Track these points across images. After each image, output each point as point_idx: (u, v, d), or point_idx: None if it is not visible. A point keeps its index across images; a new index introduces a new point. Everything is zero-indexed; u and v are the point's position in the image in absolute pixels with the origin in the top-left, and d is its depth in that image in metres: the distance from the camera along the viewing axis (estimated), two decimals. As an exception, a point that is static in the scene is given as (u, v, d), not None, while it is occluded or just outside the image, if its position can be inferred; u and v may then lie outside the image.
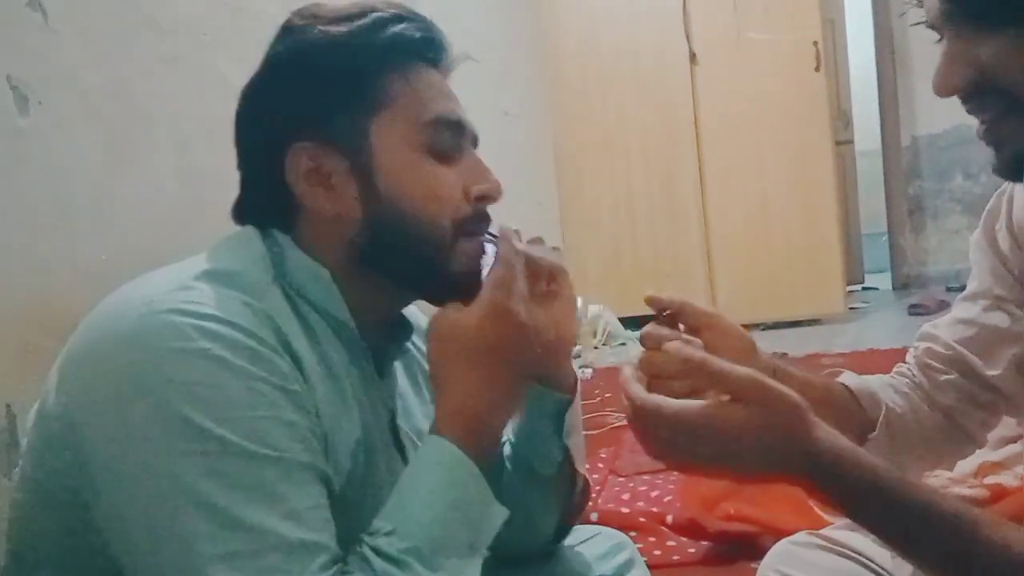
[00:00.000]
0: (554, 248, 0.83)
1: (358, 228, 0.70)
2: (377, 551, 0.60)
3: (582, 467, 0.85)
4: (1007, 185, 0.86)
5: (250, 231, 0.72)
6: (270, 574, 0.56)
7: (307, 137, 0.69)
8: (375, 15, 0.71)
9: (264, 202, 0.72)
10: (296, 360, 0.64)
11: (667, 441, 0.62)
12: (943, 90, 0.65)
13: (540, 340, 0.71)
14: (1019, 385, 0.86)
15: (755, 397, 0.60)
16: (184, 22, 1.36)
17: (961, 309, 0.89)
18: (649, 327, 0.74)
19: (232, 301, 0.62)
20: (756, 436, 0.59)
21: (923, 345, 0.91)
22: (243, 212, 0.74)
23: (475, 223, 0.74)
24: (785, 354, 3.40)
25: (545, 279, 0.80)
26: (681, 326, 0.78)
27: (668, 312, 0.78)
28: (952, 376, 0.88)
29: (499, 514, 0.66)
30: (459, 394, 0.67)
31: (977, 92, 0.64)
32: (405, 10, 0.73)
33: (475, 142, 0.77)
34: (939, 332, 0.90)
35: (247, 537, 0.56)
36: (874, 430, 0.87)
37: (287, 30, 0.72)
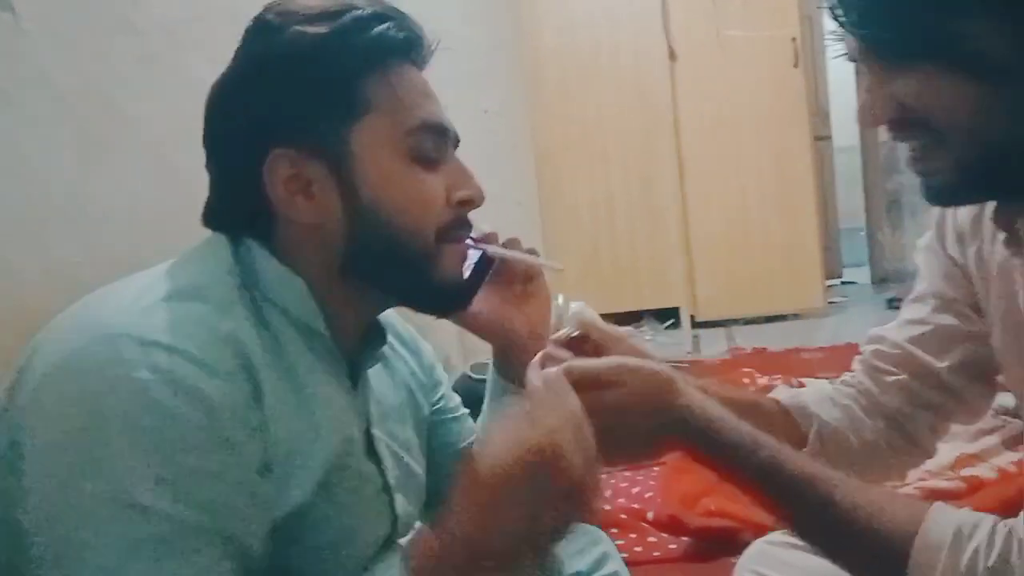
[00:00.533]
0: (529, 250, 0.84)
1: (340, 236, 0.68)
2: None
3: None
4: None
5: (219, 239, 0.69)
6: None
7: (286, 142, 0.66)
8: (355, 13, 0.68)
9: (238, 208, 0.69)
10: (256, 384, 0.60)
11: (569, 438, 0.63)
12: (867, 123, 0.66)
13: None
14: (969, 385, 0.87)
15: (626, 378, 0.68)
16: (159, 23, 1.34)
17: (911, 310, 0.90)
18: (547, 350, 0.75)
19: (190, 325, 0.59)
20: (635, 412, 0.67)
21: (871, 348, 0.92)
22: (214, 218, 0.71)
23: (457, 228, 0.73)
24: (764, 349, 3.43)
25: (521, 280, 0.81)
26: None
27: (576, 334, 0.80)
28: (901, 377, 0.88)
29: None
30: (463, 536, 0.57)
31: (901, 124, 0.64)
32: (384, 7, 0.70)
33: (456, 143, 0.75)
34: (888, 334, 0.91)
35: None
36: (804, 442, 0.88)
37: (262, 27, 0.68)
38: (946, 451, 1.93)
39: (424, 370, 0.90)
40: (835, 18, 0.64)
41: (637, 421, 0.68)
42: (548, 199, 4.12)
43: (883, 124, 0.65)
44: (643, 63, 4.07)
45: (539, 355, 0.73)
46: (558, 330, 0.79)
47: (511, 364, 0.86)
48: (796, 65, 3.97)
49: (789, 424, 0.89)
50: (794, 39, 3.98)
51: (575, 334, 0.78)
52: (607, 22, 4.10)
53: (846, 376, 0.94)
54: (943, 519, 0.63)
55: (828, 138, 5.21)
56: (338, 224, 0.68)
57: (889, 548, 0.63)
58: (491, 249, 0.80)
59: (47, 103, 1.14)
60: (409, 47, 0.71)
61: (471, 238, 0.78)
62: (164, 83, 1.34)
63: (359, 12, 0.68)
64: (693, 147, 4.10)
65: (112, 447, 0.53)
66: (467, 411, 0.96)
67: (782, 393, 0.92)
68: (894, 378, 0.89)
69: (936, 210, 0.87)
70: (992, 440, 1.96)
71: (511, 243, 0.83)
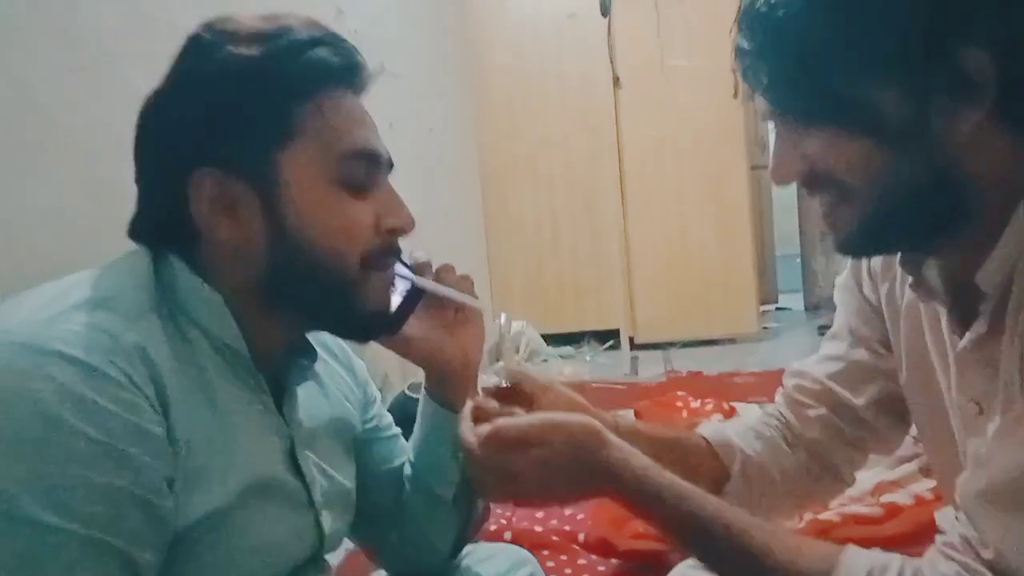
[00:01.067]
0: (462, 277, 0.84)
1: (262, 259, 0.68)
2: None
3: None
4: None
5: (140, 253, 0.68)
6: None
7: (213, 162, 0.66)
8: (290, 38, 0.67)
9: (162, 223, 0.69)
10: (163, 397, 0.60)
11: (495, 483, 0.72)
12: (778, 178, 0.68)
13: None
14: (883, 420, 0.90)
15: (552, 436, 0.71)
16: (93, 31, 1.32)
17: (829, 347, 0.93)
18: (478, 399, 0.79)
19: (94, 334, 0.58)
20: (562, 465, 0.71)
21: (792, 382, 0.95)
22: (138, 230, 0.70)
23: (385, 256, 0.72)
24: (700, 372, 3.49)
25: (454, 307, 0.81)
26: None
27: (506, 386, 0.84)
28: (821, 411, 0.91)
29: None
30: None
31: (811, 181, 0.67)
32: (322, 31, 0.70)
33: (390, 168, 0.75)
34: (808, 369, 0.94)
35: None
36: (729, 479, 0.91)
37: (195, 45, 0.68)
38: (867, 478, 1.98)
39: (358, 386, 0.90)
40: (746, 80, 0.67)
41: (565, 474, 0.71)
42: (493, 217, 4.14)
43: (794, 180, 0.68)
44: (589, 87, 4.13)
45: (469, 406, 0.76)
46: (500, 348, 0.82)
47: (443, 389, 0.87)
48: (736, 95, 4.08)
49: (713, 459, 0.92)
50: (734, 71, 4.07)
51: (504, 385, 0.82)
52: (555, 45, 4.16)
53: (769, 408, 0.97)
54: (855, 561, 0.65)
55: (765, 167, 5.33)
56: (261, 246, 0.67)
57: None
58: (418, 281, 0.79)
59: (-28, 108, 1.11)
60: (344, 73, 0.70)
61: (403, 263, 0.78)
62: (98, 93, 1.31)
63: (294, 36, 0.67)
64: (635, 171, 4.17)
65: (1, 459, 0.53)
66: (399, 431, 0.95)
67: (707, 429, 0.95)
68: (815, 412, 0.92)
69: None
70: (911, 467, 2.03)
71: (443, 270, 0.83)
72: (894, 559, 0.65)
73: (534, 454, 0.70)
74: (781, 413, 0.95)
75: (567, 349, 4.06)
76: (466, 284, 0.83)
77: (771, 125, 0.69)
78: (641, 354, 4.02)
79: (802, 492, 0.93)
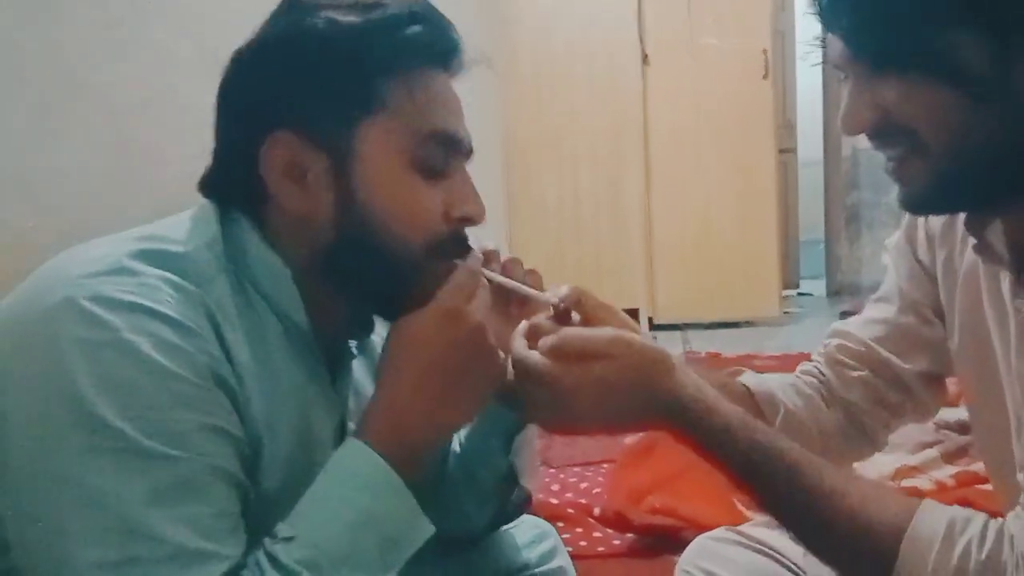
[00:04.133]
0: (529, 271, 0.78)
1: (327, 232, 0.66)
2: (272, 558, 0.56)
3: (528, 481, 0.84)
4: None
5: (208, 209, 0.67)
6: None
7: (290, 126, 0.64)
8: (390, 10, 0.65)
9: (233, 181, 0.67)
10: (229, 357, 0.60)
11: (550, 402, 0.66)
12: (849, 129, 0.66)
13: (499, 356, 0.65)
14: (925, 387, 0.89)
15: (620, 352, 0.66)
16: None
17: (875, 310, 0.92)
18: (533, 319, 0.72)
19: (166, 286, 0.58)
20: (625, 386, 0.66)
21: (835, 341, 0.93)
22: (208, 185, 0.69)
23: (451, 245, 0.69)
24: (718, 354, 3.47)
25: (516, 303, 0.77)
26: (577, 317, 0.77)
27: (564, 305, 0.76)
28: (863, 373, 0.90)
29: (423, 531, 0.62)
30: (396, 399, 0.63)
31: (882, 131, 0.65)
32: (423, 8, 0.68)
33: (470, 155, 0.72)
34: (853, 330, 0.92)
35: (136, 543, 0.52)
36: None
37: (293, 4, 0.66)
38: (887, 462, 1.98)
39: None
40: (823, 22, 0.65)
41: (625, 397, 0.66)
42: (516, 195, 4.13)
43: (865, 130, 0.66)
44: (616, 65, 4.09)
45: (523, 324, 0.71)
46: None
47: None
48: (766, 77, 4.03)
49: (755, 409, 0.90)
50: (765, 51, 4.03)
51: (561, 305, 0.74)
52: (583, 22, 4.11)
53: (808, 366, 0.96)
54: (934, 513, 0.63)
55: (793, 151, 5.28)
56: (326, 219, 0.66)
57: (877, 539, 0.63)
58: (487, 273, 0.73)
59: (2, 66, 1.11)
60: (439, 53, 0.69)
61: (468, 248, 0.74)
62: (127, 51, 1.31)
63: (394, 10, 0.66)
64: (660, 152, 4.14)
65: (109, 403, 0.54)
66: None
67: (750, 379, 0.93)
68: (857, 374, 0.90)
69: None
70: (932, 453, 2.02)
71: (511, 263, 0.78)
72: (976, 514, 0.63)
73: (596, 369, 0.65)
74: (821, 371, 0.93)
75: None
76: (534, 278, 0.78)
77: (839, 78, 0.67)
78: (660, 334, 4.00)
79: (835, 452, 0.92)
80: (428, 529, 0.62)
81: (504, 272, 0.76)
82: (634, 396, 0.66)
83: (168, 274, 0.59)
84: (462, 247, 0.71)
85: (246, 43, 0.67)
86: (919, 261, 0.87)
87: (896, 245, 0.90)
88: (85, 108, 1.25)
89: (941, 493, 1.72)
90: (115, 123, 1.29)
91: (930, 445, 2.06)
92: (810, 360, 0.96)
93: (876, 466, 1.90)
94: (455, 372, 0.64)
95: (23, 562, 0.55)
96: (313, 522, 0.58)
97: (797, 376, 0.95)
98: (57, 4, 1.21)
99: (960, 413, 2.18)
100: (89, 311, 0.55)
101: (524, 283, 0.76)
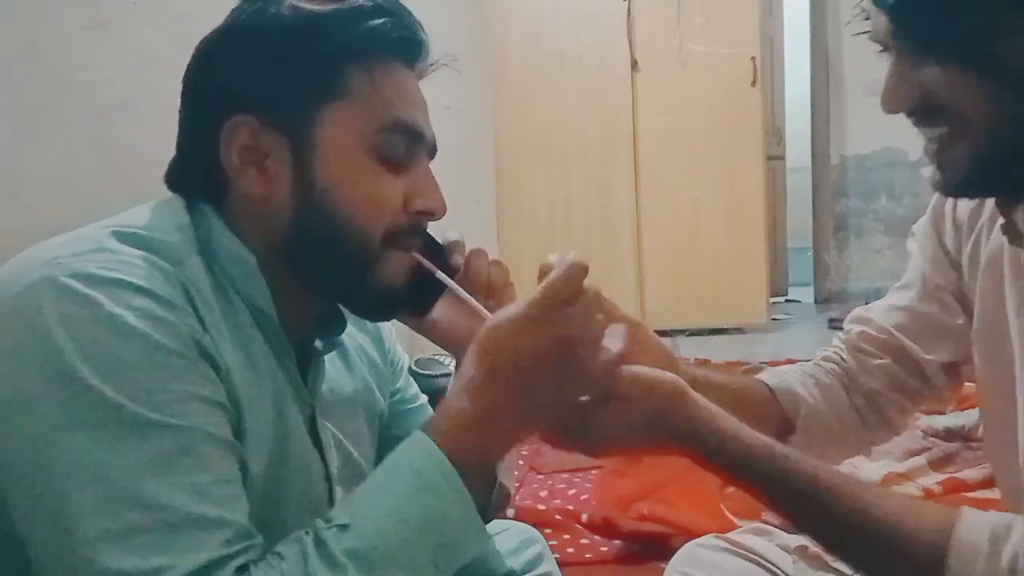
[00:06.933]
0: (494, 262, 0.77)
1: (284, 218, 0.66)
2: (321, 543, 0.55)
3: (506, 478, 0.82)
4: None
5: (175, 200, 0.67)
6: (164, 552, 0.52)
7: (251, 110, 0.64)
8: (356, 3, 0.66)
9: (196, 169, 0.67)
10: (208, 334, 0.60)
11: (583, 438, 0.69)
12: (890, 107, 0.66)
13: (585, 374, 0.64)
14: (944, 375, 0.89)
15: (636, 394, 0.68)
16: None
17: (897, 297, 0.92)
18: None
19: (144, 264, 0.58)
20: (642, 423, 0.68)
21: (857, 328, 0.93)
22: (172, 176, 0.69)
23: (408, 235, 0.69)
24: (707, 360, 3.47)
25: (483, 293, 0.76)
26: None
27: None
28: (885, 361, 0.90)
29: (480, 542, 0.60)
30: (474, 403, 0.60)
31: (923, 111, 0.64)
32: (391, 3, 0.68)
33: (432, 152, 0.72)
34: (875, 317, 0.92)
35: (139, 512, 0.52)
36: (792, 427, 0.90)
37: None
38: (875, 469, 1.98)
39: (384, 358, 0.87)
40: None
41: (644, 431, 0.68)
42: (505, 200, 4.12)
43: (905, 109, 0.65)
44: (606, 70, 4.10)
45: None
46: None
47: None
48: (754, 84, 4.04)
49: (776, 407, 0.90)
50: (754, 58, 4.04)
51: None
52: (573, 27, 4.12)
53: (829, 352, 0.96)
54: (976, 521, 0.62)
55: (781, 158, 5.31)
56: (285, 205, 0.66)
57: (920, 552, 0.62)
58: (439, 275, 0.73)
59: (-15, 64, 1.10)
60: (403, 47, 0.69)
61: (435, 241, 0.74)
62: (111, 51, 1.30)
63: (360, 2, 0.66)
64: (650, 157, 4.15)
65: (102, 375, 0.54)
66: (425, 399, 0.93)
67: (770, 377, 0.93)
68: (878, 361, 0.91)
69: (935, 197, 0.87)
70: (920, 461, 2.03)
71: (475, 254, 0.77)
72: (1017, 518, 0.62)
73: (617, 407, 0.67)
74: (842, 358, 0.94)
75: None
76: (499, 270, 0.78)
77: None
78: (649, 341, 4.00)
79: (854, 438, 0.93)
80: (485, 542, 0.62)
81: (468, 264, 0.76)
82: (656, 430, 0.68)
83: (144, 252, 0.59)
84: (418, 239, 0.71)
85: (213, 31, 0.67)
86: (944, 246, 0.86)
87: (922, 229, 0.90)
88: (69, 109, 1.24)
89: (929, 500, 1.72)
90: (99, 124, 1.28)
91: (917, 452, 2.07)
92: (831, 346, 0.96)
93: (864, 473, 1.90)
94: (537, 384, 0.61)
95: (27, 538, 0.55)
96: (371, 515, 0.57)
97: (817, 364, 0.95)
98: (40, 5, 1.20)
99: (947, 421, 2.19)
100: (71, 287, 0.55)
101: (488, 274, 0.76)
